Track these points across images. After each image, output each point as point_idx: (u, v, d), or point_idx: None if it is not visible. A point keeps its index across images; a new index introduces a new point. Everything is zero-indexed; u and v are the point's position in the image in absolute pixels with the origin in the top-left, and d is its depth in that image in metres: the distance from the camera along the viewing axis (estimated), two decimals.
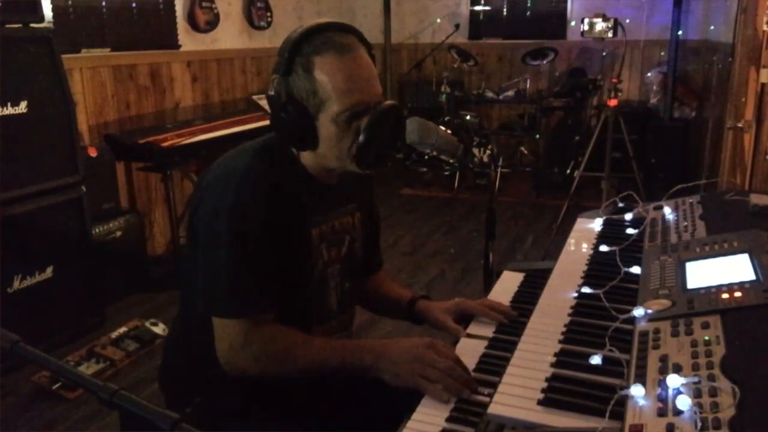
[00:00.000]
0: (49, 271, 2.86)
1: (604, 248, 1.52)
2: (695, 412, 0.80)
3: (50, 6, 3.28)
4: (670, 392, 0.85)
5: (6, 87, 2.64)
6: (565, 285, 1.38)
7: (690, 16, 5.39)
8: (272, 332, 1.21)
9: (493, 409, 0.97)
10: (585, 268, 1.46)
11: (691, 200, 1.65)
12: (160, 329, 2.99)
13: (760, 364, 0.88)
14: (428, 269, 3.94)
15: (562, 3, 5.92)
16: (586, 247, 1.60)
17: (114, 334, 2.91)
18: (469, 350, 1.22)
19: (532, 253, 4.10)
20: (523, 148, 5.77)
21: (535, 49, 5.57)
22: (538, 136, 5.41)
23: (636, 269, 1.34)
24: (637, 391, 0.88)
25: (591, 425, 0.89)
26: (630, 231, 1.56)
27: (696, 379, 0.86)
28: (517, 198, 5.33)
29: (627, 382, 0.93)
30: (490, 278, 1.73)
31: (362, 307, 1.55)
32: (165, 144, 3.47)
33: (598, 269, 1.43)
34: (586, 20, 4.55)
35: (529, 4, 6.12)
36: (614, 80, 4.13)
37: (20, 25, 2.75)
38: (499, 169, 1.74)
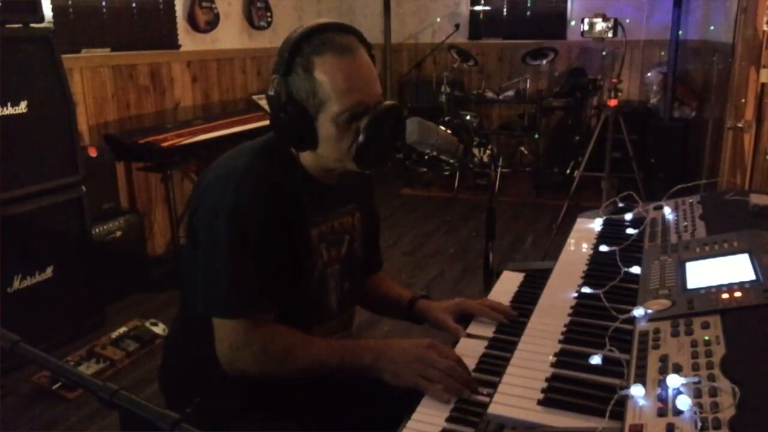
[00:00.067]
0: (49, 271, 2.86)
1: (604, 248, 1.52)
2: (695, 412, 0.80)
3: (50, 6, 3.28)
4: (670, 392, 0.85)
5: (6, 87, 2.64)
6: (565, 285, 1.38)
7: (690, 16, 5.39)
8: (272, 332, 1.21)
9: (493, 409, 0.97)
10: (585, 268, 1.46)
11: (691, 200, 1.65)
12: (160, 329, 2.99)
13: (760, 364, 0.88)
14: (428, 269, 3.94)
15: (562, 3, 5.92)
16: (586, 247, 1.60)
17: (114, 334, 2.91)
18: (469, 350, 1.22)
19: (532, 253, 4.10)
20: (523, 148, 5.76)
21: (535, 49, 5.57)
22: (537, 135, 5.40)
23: (636, 269, 1.34)
24: (637, 391, 0.88)
25: (591, 425, 0.89)
26: (630, 231, 1.56)
27: (696, 379, 0.86)
28: (517, 198, 5.33)
29: (627, 382, 0.93)
30: (490, 278, 1.73)
31: (362, 307, 1.55)
32: (165, 144, 3.47)
33: (598, 269, 1.43)
34: (586, 20, 4.55)
35: (529, 4, 6.12)
36: (614, 80, 4.13)
37: (20, 25, 2.75)
38: (499, 169, 1.74)
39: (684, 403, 0.82)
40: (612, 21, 4.45)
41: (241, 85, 4.86)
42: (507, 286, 1.52)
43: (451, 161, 1.54)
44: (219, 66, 4.61)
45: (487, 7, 6.19)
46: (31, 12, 2.77)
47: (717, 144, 3.86)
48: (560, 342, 1.15)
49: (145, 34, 4.00)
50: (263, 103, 4.42)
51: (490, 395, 1.01)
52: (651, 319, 1.08)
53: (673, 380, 0.86)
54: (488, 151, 1.70)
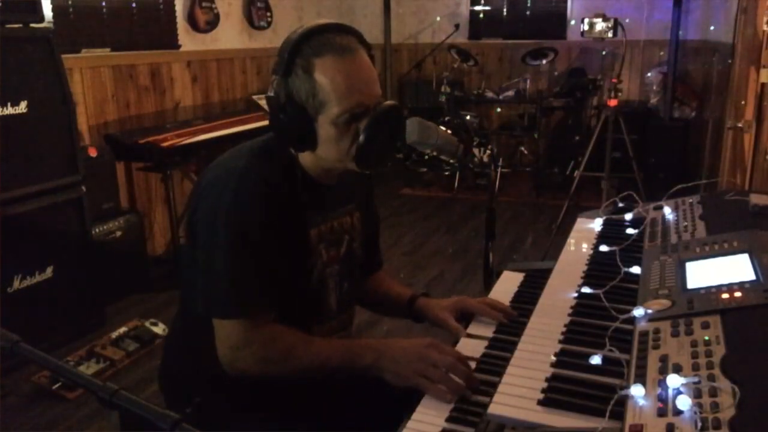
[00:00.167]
0: (49, 271, 2.86)
1: (604, 248, 1.52)
2: (695, 412, 0.79)
3: (50, 6, 3.28)
4: (670, 392, 0.85)
5: (6, 87, 2.64)
6: (565, 285, 1.38)
7: (690, 16, 5.39)
8: (272, 332, 1.21)
9: (493, 409, 0.97)
10: (585, 268, 1.46)
11: (691, 200, 1.65)
12: (160, 329, 2.99)
13: (760, 364, 0.88)
14: (428, 269, 3.94)
15: (562, 3, 5.92)
16: (586, 247, 1.60)
17: (114, 334, 2.91)
18: (469, 350, 1.22)
19: (532, 253, 4.10)
20: (523, 148, 5.76)
21: (535, 49, 5.57)
22: (536, 135, 5.40)
23: (636, 269, 1.34)
24: (637, 391, 0.88)
25: (591, 425, 0.89)
26: (630, 231, 1.56)
27: (696, 379, 0.86)
28: (517, 198, 5.33)
29: (627, 382, 0.93)
30: (490, 278, 1.73)
31: (362, 306, 1.55)
32: (165, 144, 3.47)
33: (598, 269, 1.43)
34: (586, 20, 4.55)
35: (529, 4, 6.12)
36: (614, 80, 4.13)
37: (20, 25, 2.76)
38: (499, 169, 1.74)
39: (684, 403, 0.82)
40: (612, 21, 4.45)
41: (241, 85, 4.86)
42: (507, 286, 1.52)
43: (451, 161, 1.54)
44: (219, 66, 4.61)
45: (487, 7, 6.19)
46: (31, 12, 2.77)
47: (717, 144, 3.86)
48: (560, 342, 1.15)
49: (145, 34, 4.00)
50: (263, 103, 4.42)
51: (490, 395, 1.01)
52: (651, 319, 1.08)
53: (673, 380, 0.86)
54: (488, 151, 1.69)
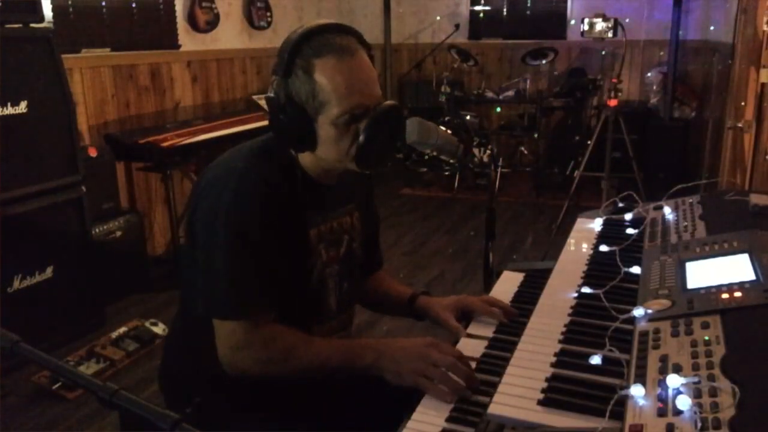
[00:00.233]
0: (49, 271, 2.86)
1: (604, 248, 1.52)
2: (695, 412, 0.79)
3: (50, 6, 3.28)
4: (670, 392, 0.85)
5: (6, 87, 2.64)
6: (565, 285, 1.38)
7: (690, 16, 5.39)
8: (273, 332, 1.21)
9: (493, 409, 0.97)
10: (585, 268, 1.46)
11: (691, 200, 1.65)
12: (160, 329, 2.99)
13: (760, 364, 0.88)
14: (428, 269, 3.94)
15: (562, 3, 5.92)
16: (586, 247, 1.60)
17: (114, 334, 2.91)
18: (469, 350, 1.22)
19: (532, 253, 4.10)
20: (523, 148, 5.76)
21: (535, 49, 5.57)
22: (536, 135, 5.40)
23: (636, 269, 1.34)
24: (637, 391, 0.88)
25: (591, 425, 0.89)
26: (630, 231, 1.56)
27: (696, 379, 0.86)
28: (517, 198, 5.33)
29: (627, 382, 0.93)
30: (490, 278, 1.73)
31: (363, 306, 1.55)
32: (165, 144, 3.47)
33: (598, 269, 1.43)
34: (586, 20, 4.55)
35: (529, 4, 6.12)
36: (614, 80, 4.14)
37: (20, 25, 2.76)
38: (499, 169, 1.73)
39: (684, 403, 0.82)
40: (612, 21, 4.46)
41: (241, 85, 4.86)
42: (507, 286, 1.52)
43: (451, 161, 1.54)
44: (219, 66, 4.61)
45: (487, 7, 6.19)
46: (31, 12, 2.77)
47: (717, 144, 3.86)
48: (560, 342, 1.15)
49: (145, 34, 4.00)
50: (263, 103, 4.42)
51: (490, 395, 1.01)
52: (651, 319, 1.08)
53: (673, 380, 0.86)
54: (488, 151, 1.69)
